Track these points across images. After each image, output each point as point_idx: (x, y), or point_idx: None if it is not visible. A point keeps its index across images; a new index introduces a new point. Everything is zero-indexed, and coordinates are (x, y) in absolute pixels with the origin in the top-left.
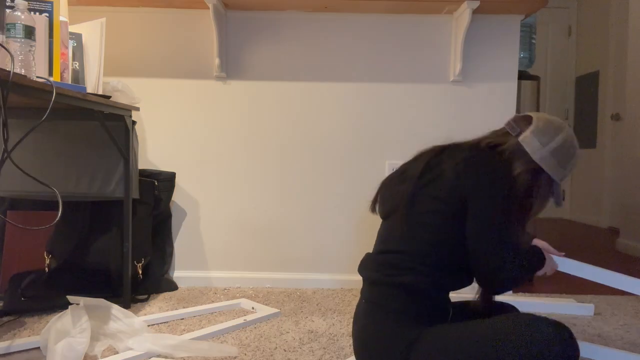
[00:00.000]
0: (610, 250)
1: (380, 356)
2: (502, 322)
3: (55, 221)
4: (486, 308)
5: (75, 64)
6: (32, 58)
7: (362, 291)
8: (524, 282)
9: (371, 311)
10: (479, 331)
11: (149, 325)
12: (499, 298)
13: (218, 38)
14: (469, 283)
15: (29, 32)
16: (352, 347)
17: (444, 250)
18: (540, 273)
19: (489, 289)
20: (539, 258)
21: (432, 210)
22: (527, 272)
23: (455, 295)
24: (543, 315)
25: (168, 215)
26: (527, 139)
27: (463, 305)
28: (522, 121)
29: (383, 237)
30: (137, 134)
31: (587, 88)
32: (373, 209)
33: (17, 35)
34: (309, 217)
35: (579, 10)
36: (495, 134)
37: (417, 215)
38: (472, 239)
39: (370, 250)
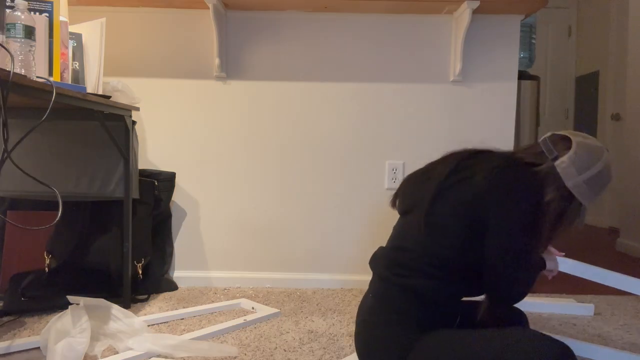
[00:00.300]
0: (610, 250)
1: (379, 355)
2: (504, 336)
3: (55, 221)
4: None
5: (75, 64)
6: (32, 58)
7: (371, 284)
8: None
9: (376, 308)
10: (478, 344)
11: (149, 325)
12: None
13: (218, 38)
14: (481, 293)
15: (29, 32)
16: (352, 347)
17: (458, 256)
18: (545, 272)
19: (495, 302)
20: (540, 263)
21: (452, 214)
22: (532, 283)
23: None
24: (548, 335)
25: (168, 215)
26: (564, 165)
27: (473, 307)
28: (560, 143)
29: (399, 233)
30: (137, 134)
31: (587, 88)
32: (393, 204)
33: (17, 35)
34: (309, 217)
35: (579, 10)
36: (530, 151)
37: (437, 217)
38: (489, 252)
39: (370, 251)
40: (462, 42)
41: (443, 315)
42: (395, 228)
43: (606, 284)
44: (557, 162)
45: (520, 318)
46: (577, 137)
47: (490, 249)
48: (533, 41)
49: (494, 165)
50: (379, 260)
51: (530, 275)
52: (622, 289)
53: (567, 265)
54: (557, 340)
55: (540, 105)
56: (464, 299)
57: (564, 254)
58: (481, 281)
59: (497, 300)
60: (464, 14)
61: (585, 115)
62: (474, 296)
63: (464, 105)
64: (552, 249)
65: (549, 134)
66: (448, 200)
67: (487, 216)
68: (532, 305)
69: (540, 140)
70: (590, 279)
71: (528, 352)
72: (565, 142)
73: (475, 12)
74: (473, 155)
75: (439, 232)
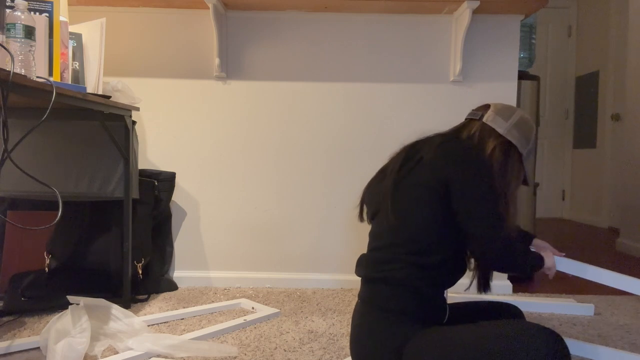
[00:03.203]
0: (610, 250)
1: (372, 356)
2: (496, 328)
3: (55, 221)
4: (487, 303)
5: (75, 64)
6: (32, 58)
7: (359, 293)
8: (521, 267)
9: (365, 310)
10: (471, 336)
11: (149, 325)
12: (502, 298)
13: (218, 38)
14: (462, 273)
15: (29, 32)
16: (350, 353)
17: (432, 235)
18: (545, 270)
19: (485, 262)
20: (538, 256)
21: (415, 197)
22: (522, 255)
23: (458, 296)
24: (539, 325)
25: (168, 215)
26: (491, 117)
27: (464, 306)
28: (480, 108)
29: (374, 235)
30: (137, 134)
31: (587, 88)
32: (361, 218)
33: (17, 35)
34: (309, 217)
35: (579, 10)
36: (459, 126)
37: (402, 204)
38: (462, 215)
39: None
40: (462, 42)
41: (431, 308)
42: (370, 234)
43: (606, 284)
44: (484, 119)
45: (515, 312)
46: (492, 102)
47: (459, 209)
48: (533, 41)
49: (437, 143)
50: (361, 264)
51: (512, 234)
52: (622, 289)
53: (567, 265)
54: (548, 329)
55: (540, 105)
56: (460, 299)
57: (564, 254)
58: (462, 258)
59: (484, 258)
60: (464, 14)
61: (585, 115)
62: (458, 279)
63: (464, 105)
64: (552, 249)
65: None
66: (407, 187)
67: (448, 188)
68: (532, 305)
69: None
70: (590, 279)
71: (520, 341)
72: (484, 107)
73: (475, 12)
74: (415, 144)
75: (408, 219)
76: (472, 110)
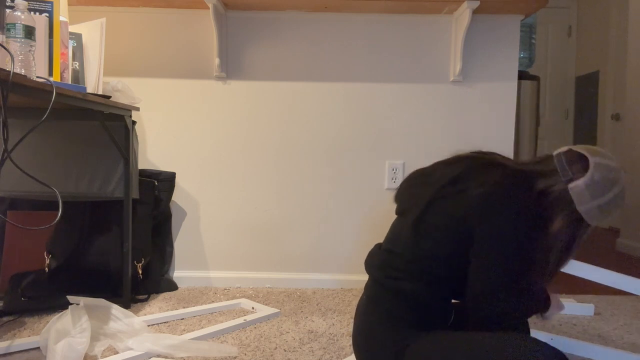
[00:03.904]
0: (610, 250)
1: (376, 355)
2: (499, 342)
3: (55, 221)
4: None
5: (75, 64)
6: (32, 58)
7: (366, 285)
8: (519, 320)
9: (370, 310)
10: (472, 349)
11: (149, 325)
12: None
13: (218, 38)
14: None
15: (29, 32)
16: (352, 347)
17: (445, 266)
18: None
19: (473, 313)
20: (544, 304)
21: (442, 226)
22: (522, 314)
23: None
24: (542, 342)
25: (168, 215)
26: (578, 190)
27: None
28: (576, 163)
29: (393, 234)
30: (137, 134)
31: (587, 88)
32: (396, 199)
33: (17, 35)
34: (309, 217)
35: (579, 10)
36: (543, 167)
37: (427, 225)
38: (471, 275)
39: (369, 250)
40: (462, 42)
41: (435, 317)
42: (391, 228)
43: (606, 284)
44: (571, 185)
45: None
46: (595, 157)
47: (472, 272)
48: (533, 41)
49: (495, 180)
50: (372, 262)
51: (522, 307)
52: (622, 289)
53: (567, 265)
54: (551, 347)
55: (540, 105)
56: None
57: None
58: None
59: (474, 314)
60: (464, 14)
61: (585, 115)
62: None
63: (464, 105)
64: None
65: (565, 148)
66: (440, 211)
67: (474, 235)
68: None
69: (555, 154)
70: (590, 279)
71: (521, 358)
72: (583, 162)
73: (475, 12)
74: (478, 164)
75: (428, 241)
76: (569, 156)
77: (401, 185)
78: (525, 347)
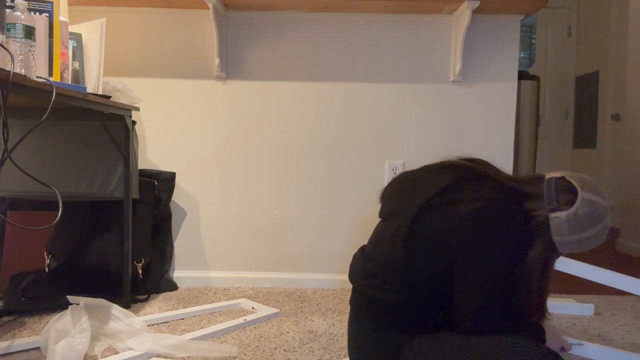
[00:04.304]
0: (610, 250)
1: None
2: (493, 343)
3: (55, 221)
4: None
5: (75, 64)
6: (32, 58)
7: (350, 299)
8: None
9: (358, 320)
10: (468, 351)
11: (149, 325)
12: None
13: (218, 38)
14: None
15: (29, 32)
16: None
17: (429, 278)
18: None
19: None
20: (537, 335)
21: (430, 236)
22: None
23: None
24: (538, 344)
25: (168, 215)
26: (558, 221)
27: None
28: (564, 195)
29: (376, 241)
30: (137, 134)
31: (587, 88)
32: (382, 200)
33: (17, 35)
34: (309, 217)
35: (579, 10)
36: (532, 186)
37: (414, 236)
38: (458, 289)
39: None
40: (462, 42)
41: (422, 321)
42: (374, 231)
43: (606, 284)
44: (552, 215)
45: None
46: (584, 192)
47: (458, 287)
48: (533, 41)
49: (488, 197)
50: (355, 269)
51: (509, 330)
52: (622, 289)
53: (567, 265)
54: (547, 348)
55: (540, 105)
56: None
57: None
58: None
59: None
60: (464, 14)
61: (585, 115)
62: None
63: (464, 105)
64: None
65: (559, 174)
66: (428, 223)
67: (459, 251)
68: None
69: (547, 178)
70: (590, 279)
71: (515, 355)
72: (571, 194)
73: (475, 12)
74: (470, 176)
75: (413, 251)
76: (559, 185)
77: (387, 186)
78: (519, 348)
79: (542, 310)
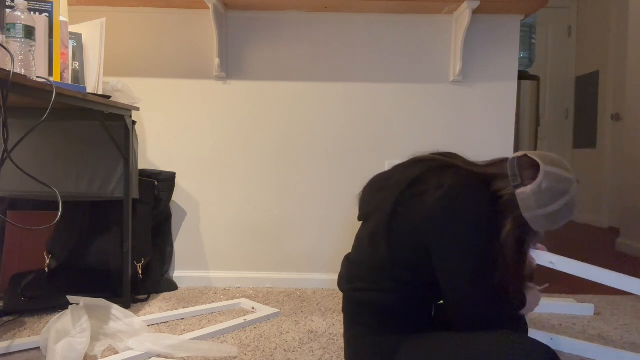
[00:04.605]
0: (610, 250)
1: None
2: (488, 339)
3: (55, 221)
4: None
5: (75, 64)
6: (32, 58)
7: (342, 302)
8: (498, 321)
9: (349, 325)
10: (465, 349)
11: (149, 325)
12: None
13: (218, 38)
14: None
15: (29, 32)
16: None
17: (412, 274)
18: (522, 311)
19: (457, 325)
20: (520, 303)
21: (404, 232)
22: (500, 315)
23: None
24: (535, 340)
25: (168, 215)
26: (524, 196)
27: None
28: (527, 171)
29: (358, 243)
30: (137, 134)
31: (587, 88)
32: (359, 204)
33: (17, 35)
34: (309, 217)
35: (579, 10)
36: (496, 168)
37: (390, 233)
38: (441, 281)
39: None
40: (462, 42)
41: (413, 320)
42: (356, 236)
43: (606, 284)
44: (518, 191)
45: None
46: (547, 166)
47: (440, 277)
48: (533, 41)
49: (451, 183)
50: (342, 275)
51: (498, 307)
52: (622, 289)
53: (567, 265)
54: (541, 343)
55: (540, 105)
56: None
57: (545, 248)
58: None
59: (455, 321)
60: (464, 14)
61: (585, 115)
62: (438, 301)
63: (464, 105)
64: (544, 250)
65: (521, 153)
66: (400, 219)
67: (432, 242)
68: None
69: (510, 158)
70: (590, 279)
71: (514, 356)
72: (534, 169)
73: (475, 12)
74: (435, 166)
75: (392, 249)
76: (521, 162)
77: (363, 190)
78: (514, 344)
79: (520, 291)
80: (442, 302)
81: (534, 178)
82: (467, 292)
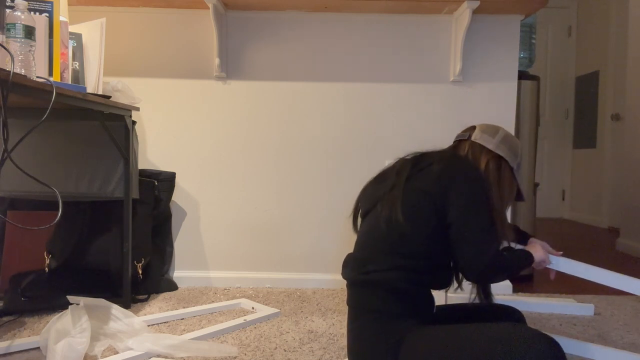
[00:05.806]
0: (610, 250)
1: (371, 356)
2: (493, 331)
3: (55, 221)
4: (488, 306)
5: (75, 64)
6: (32, 58)
7: (347, 297)
8: (510, 273)
9: (355, 315)
10: (469, 339)
11: (149, 325)
12: (501, 299)
13: (218, 38)
14: (449, 283)
15: (29, 32)
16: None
17: (422, 241)
18: (535, 266)
19: (472, 275)
20: (526, 255)
21: (413, 202)
22: (512, 263)
23: (452, 295)
24: (538, 330)
25: (168, 215)
26: (478, 136)
27: (464, 307)
28: (467, 130)
29: (363, 235)
30: (137, 134)
31: (587, 88)
32: (355, 227)
33: (17, 35)
34: (309, 217)
35: (579, 10)
36: (451, 146)
37: (403, 208)
38: (456, 227)
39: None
40: (462, 42)
41: (418, 304)
42: (359, 234)
43: (606, 284)
44: (473, 138)
45: (514, 314)
46: (476, 125)
47: (454, 220)
48: (533, 41)
49: (447, 157)
50: (347, 264)
51: (500, 250)
52: (622, 289)
53: (567, 265)
54: (546, 335)
55: (540, 105)
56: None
57: (561, 252)
58: (450, 269)
59: (472, 272)
60: (464, 14)
61: (585, 115)
62: (445, 287)
63: (464, 105)
64: (549, 249)
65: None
66: (410, 190)
67: (448, 197)
68: (532, 305)
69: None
70: (590, 279)
71: (518, 346)
72: (470, 128)
73: (475, 12)
74: (424, 154)
75: (402, 221)
76: (459, 133)
77: (359, 197)
78: (518, 335)
79: (507, 226)
80: (444, 289)
81: (473, 129)
82: (483, 239)
